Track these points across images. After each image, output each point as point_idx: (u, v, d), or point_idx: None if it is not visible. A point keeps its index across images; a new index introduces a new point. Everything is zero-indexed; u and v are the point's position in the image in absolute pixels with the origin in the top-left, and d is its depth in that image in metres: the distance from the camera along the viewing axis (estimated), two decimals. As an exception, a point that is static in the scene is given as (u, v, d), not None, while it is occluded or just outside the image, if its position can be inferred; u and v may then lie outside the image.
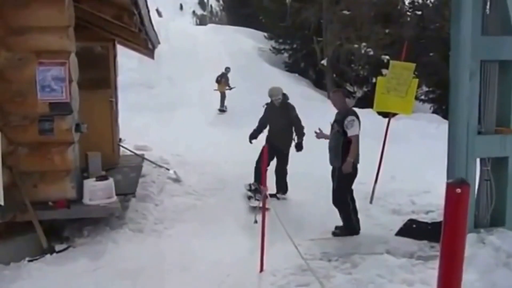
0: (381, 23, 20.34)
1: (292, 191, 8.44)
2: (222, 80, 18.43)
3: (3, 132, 5.88)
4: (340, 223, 6.52)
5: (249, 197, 8.04)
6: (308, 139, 7.92)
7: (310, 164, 8.72)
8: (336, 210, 6.57)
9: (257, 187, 7.93)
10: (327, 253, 5.59)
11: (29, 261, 5.48)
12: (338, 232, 6.44)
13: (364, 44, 20.27)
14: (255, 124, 8.67)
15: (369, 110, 14.47)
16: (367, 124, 13.64)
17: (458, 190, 1.63)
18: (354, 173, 6.36)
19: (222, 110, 18.08)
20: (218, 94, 18.35)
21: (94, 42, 8.40)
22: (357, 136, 6.23)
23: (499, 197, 5.56)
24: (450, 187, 1.63)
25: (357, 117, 6.30)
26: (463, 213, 1.66)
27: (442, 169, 5.67)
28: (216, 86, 18.41)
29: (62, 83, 5.98)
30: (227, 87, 18.41)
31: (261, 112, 8.66)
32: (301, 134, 8.26)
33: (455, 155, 5.52)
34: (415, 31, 19.23)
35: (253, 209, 7.25)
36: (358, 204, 6.83)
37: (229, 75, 18.78)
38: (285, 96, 8.46)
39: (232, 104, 17.55)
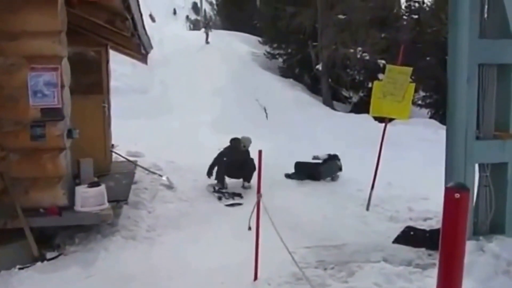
0: (377, 27, 20.27)
1: (286, 197, 8.39)
2: (207, 26, 28.40)
3: (-6, 138, 5.82)
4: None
5: (220, 198, 8.58)
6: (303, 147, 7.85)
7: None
8: (332, 218, 7.43)
9: (220, 187, 8.92)
10: (322, 261, 5.51)
11: (20, 269, 5.38)
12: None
13: (360, 48, 20.19)
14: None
15: (365, 115, 14.47)
16: (363, 130, 13.74)
17: (457, 195, 1.56)
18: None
19: (207, 42, 26.46)
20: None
21: (87, 47, 8.33)
22: None
23: (498, 204, 5.48)
24: (449, 192, 1.56)
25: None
26: (463, 218, 1.59)
27: (440, 175, 5.60)
28: (203, 30, 28.24)
29: (54, 89, 5.92)
30: (210, 31, 27.46)
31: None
32: None
33: (454, 161, 5.45)
34: (411, 35, 19.21)
35: (231, 206, 8.17)
36: (355, 211, 7.78)
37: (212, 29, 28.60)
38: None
39: (224, 110, 17.40)
